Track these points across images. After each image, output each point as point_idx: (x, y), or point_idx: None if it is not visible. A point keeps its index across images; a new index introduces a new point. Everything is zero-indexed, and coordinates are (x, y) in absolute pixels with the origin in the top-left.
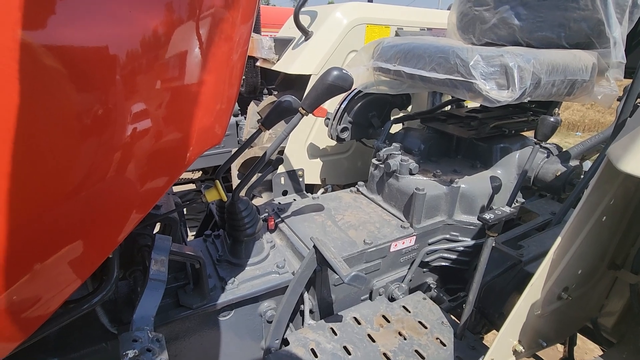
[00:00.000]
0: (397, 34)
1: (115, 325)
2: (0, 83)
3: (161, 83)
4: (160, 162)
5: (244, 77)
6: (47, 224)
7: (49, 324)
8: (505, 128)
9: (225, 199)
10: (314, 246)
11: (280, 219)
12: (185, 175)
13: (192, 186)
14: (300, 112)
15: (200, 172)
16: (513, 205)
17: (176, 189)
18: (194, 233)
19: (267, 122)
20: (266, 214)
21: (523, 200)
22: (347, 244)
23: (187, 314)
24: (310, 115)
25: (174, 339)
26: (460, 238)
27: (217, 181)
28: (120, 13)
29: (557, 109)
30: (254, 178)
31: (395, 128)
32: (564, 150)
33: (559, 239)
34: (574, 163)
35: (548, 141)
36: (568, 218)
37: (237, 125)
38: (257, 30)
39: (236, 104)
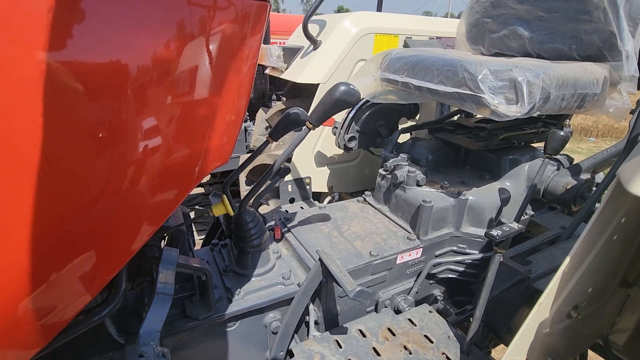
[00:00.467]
0: (405, 43)
1: (122, 335)
2: (24, 99)
3: (172, 98)
4: (171, 177)
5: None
6: (64, 236)
7: (61, 334)
8: (515, 139)
9: (232, 213)
10: (320, 259)
11: (286, 229)
12: None
13: (200, 189)
14: (308, 127)
15: (209, 176)
16: (522, 217)
17: None
18: (202, 237)
19: (274, 133)
20: (273, 223)
21: (532, 212)
22: (353, 255)
23: (193, 325)
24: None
25: (179, 349)
26: (467, 250)
27: (224, 196)
28: (133, 30)
29: (568, 120)
30: (261, 189)
31: (403, 137)
32: (575, 162)
33: (567, 259)
34: (585, 176)
35: None
36: (579, 232)
37: (246, 131)
38: (266, 38)
39: None
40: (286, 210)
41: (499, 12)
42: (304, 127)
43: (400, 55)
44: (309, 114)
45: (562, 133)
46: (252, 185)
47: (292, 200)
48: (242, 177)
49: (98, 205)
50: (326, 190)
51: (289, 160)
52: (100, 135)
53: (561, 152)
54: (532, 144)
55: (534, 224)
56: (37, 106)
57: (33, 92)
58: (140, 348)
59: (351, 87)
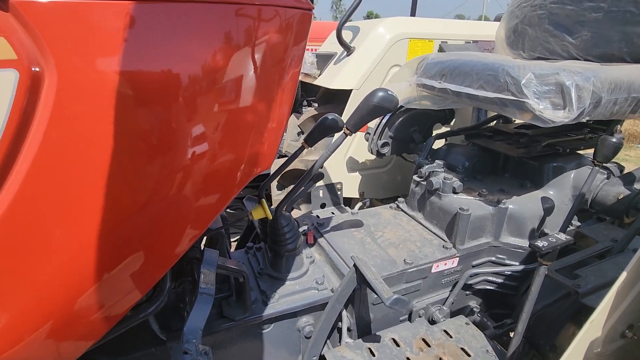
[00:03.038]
0: (440, 48)
1: (164, 331)
2: (83, 108)
3: (218, 106)
4: (215, 182)
5: None
6: (119, 236)
7: (111, 329)
8: (559, 146)
9: (270, 217)
10: (355, 265)
11: (319, 234)
12: None
13: None
14: (345, 132)
15: None
16: (568, 228)
17: None
18: (234, 239)
19: (310, 139)
20: (305, 228)
21: (579, 223)
22: (387, 262)
23: (230, 325)
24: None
25: (216, 349)
26: (507, 261)
27: (263, 200)
28: (184, 40)
29: (619, 125)
30: (296, 194)
31: (438, 144)
32: (626, 171)
33: (624, 274)
34: (639, 186)
35: None
36: (633, 246)
37: None
38: None
39: None
40: (317, 216)
41: (540, 16)
42: (341, 133)
43: (437, 60)
44: (345, 120)
45: (614, 140)
46: (288, 190)
47: (323, 206)
48: (274, 181)
49: (149, 208)
50: (357, 196)
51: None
52: (153, 142)
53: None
54: (578, 151)
55: (581, 236)
56: (103, 114)
57: (100, 100)
58: (184, 345)
59: (389, 92)
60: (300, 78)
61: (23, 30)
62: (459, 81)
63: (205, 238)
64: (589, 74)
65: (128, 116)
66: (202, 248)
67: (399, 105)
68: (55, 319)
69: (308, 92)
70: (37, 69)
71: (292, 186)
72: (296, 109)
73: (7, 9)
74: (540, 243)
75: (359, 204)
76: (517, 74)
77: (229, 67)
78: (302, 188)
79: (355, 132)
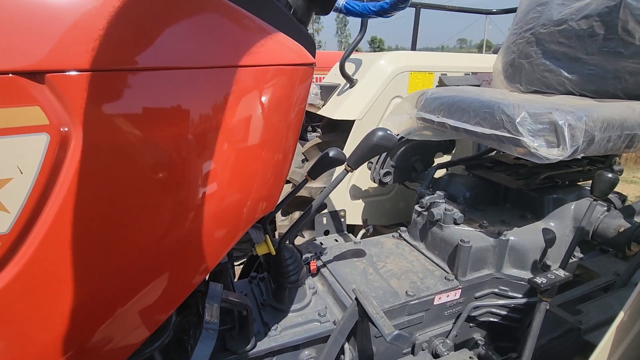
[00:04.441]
0: (440, 80)
1: None
2: (105, 163)
3: (227, 145)
4: (225, 220)
5: None
6: (130, 274)
7: None
8: (559, 178)
9: (274, 253)
10: (356, 298)
11: (322, 264)
12: None
13: None
14: (346, 169)
15: None
16: (570, 261)
17: None
18: (241, 262)
19: (313, 172)
20: (309, 256)
21: (581, 255)
22: (389, 294)
23: (233, 359)
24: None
25: None
26: (510, 293)
27: (267, 236)
28: (193, 84)
29: (617, 157)
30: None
31: (439, 173)
32: (630, 195)
33: (621, 314)
34: (639, 218)
35: None
36: (635, 280)
37: None
38: None
39: None
40: (321, 243)
41: (535, 52)
42: (342, 170)
43: (436, 96)
44: (347, 157)
45: (609, 175)
46: (292, 217)
47: (326, 233)
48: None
49: (161, 247)
50: (360, 223)
51: None
52: (166, 186)
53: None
54: (578, 183)
55: (583, 269)
56: (121, 168)
57: (119, 156)
58: None
59: (388, 132)
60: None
61: (55, 99)
62: (456, 117)
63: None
64: (581, 113)
65: (142, 168)
66: (206, 280)
67: (400, 136)
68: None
69: (313, 119)
70: (66, 129)
71: (296, 215)
72: (302, 136)
73: (43, 81)
74: (539, 280)
75: (362, 231)
76: (512, 112)
77: (235, 116)
78: (304, 221)
79: (355, 169)
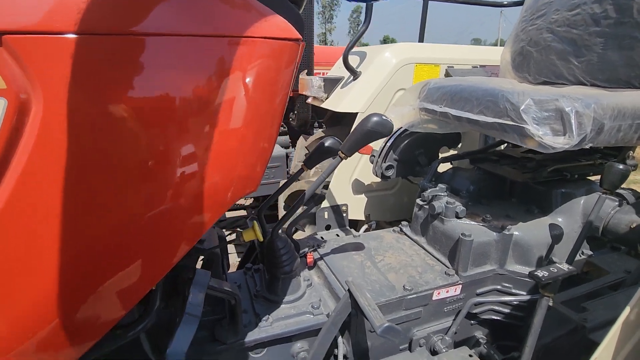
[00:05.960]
0: (447, 72)
1: (156, 352)
2: (68, 133)
3: (209, 128)
4: (205, 201)
5: (295, 111)
6: (105, 251)
7: (98, 348)
8: (567, 172)
9: (261, 239)
10: (349, 290)
11: (319, 257)
12: (239, 201)
13: (243, 212)
14: (340, 156)
15: (252, 199)
16: (578, 257)
17: (228, 214)
18: (241, 258)
19: (309, 162)
20: (307, 249)
21: (590, 252)
22: (385, 288)
23: (221, 349)
24: (355, 152)
25: None
26: (513, 290)
27: (255, 222)
28: (173, 72)
29: (631, 151)
30: (294, 215)
31: (443, 167)
32: None
33: (627, 309)
34: None
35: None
36: None
37: (288, 157)
38: (310, 70)
39: (287, 136)
40: (322, 237)
41: (546, 39)
42: (336, 157)
43: (439, 85)
44: (341, 145)
45: (620, 167)
46: (285, 212)
47: (328, 227)
48: (281, 202)
49: (138, 223)
50: (363, 219)
51: (325, 186)
52: (148, 162)
53: (625, 187)
54: (588, 177)
55: (592, 266)
56: (90, 140)
57: (86, 127)
58: None
59: (384, 117)
60: (309, 101)
61: (14, 63)
62: (459, 106)
63: (201, 259)
64: (590, 100)
65: (112, 141)
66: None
67: (403, 129)
68: (46, 327)
69: (319, 114)
70: (25, 96)
71: (300, 210)
72: (307, 131)
73: (0, 43)
74: (540, 273)
75: (365, 227)
76: (516, 99)
77: (219, 93)
78: (303, 210)
79: (350, 155)
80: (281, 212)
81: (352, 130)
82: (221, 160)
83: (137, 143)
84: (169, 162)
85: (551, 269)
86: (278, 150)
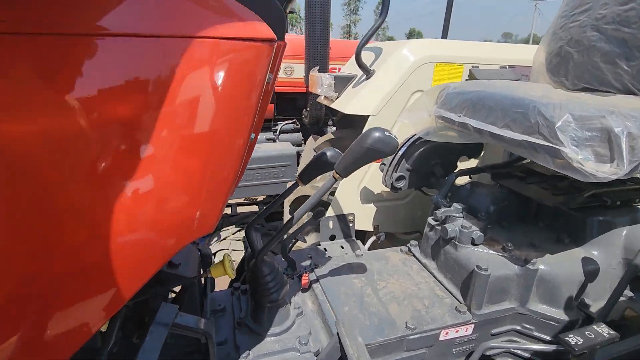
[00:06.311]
0: (471, 73)
1: None
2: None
3: (167, 131)
4: (168, 227)
5: (307, 108)
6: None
7: None
8: (608, 197)
9: (232, 277)
10: (337, 334)
11: (315, 278)
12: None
13: (255, 207)
14: (334, 177)
15: (265, 195)
16: (619, 301)
17: (240, 209)
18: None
19: (304, 176)
20: (302, 270)
21: (631, 294)
22: (385, 323)
23: None
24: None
25: None
26: (535, 333)
27: (226, 256)
28: (124, 74)
29: None
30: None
31: (461, 180)
32: None
33: None
34: None
35: None
36: None
37: (298, 155)
38: (324, 67)
39: (299, 134)
40: (324, 249)
41: (590, 38)
42: (330, 177)
43: (459, 91)
44: (337, 162)
45: None
46: (272, 236)
47: (332, 238)
48: (287, 206)
49: (74, 252)
50: (371, 229)
51: (332, 193)
52: (100, 168)
53: None
54: (633, 204)
55: (635, 314)
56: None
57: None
58: None
59: (386, 134)
60: (320, 100)
61: None
62: (481, 116)
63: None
64: None
65: (51, 150)
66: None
67: (417, 136)
68: None
69: (333, 112)
70: None
71: (304, 219)
72: (320, 129)
73: None
74: (572, 340)
75: (372, 239)
76: (551, 114)
77: (178, 97)
78: (284, 235)
79: (345, 177)
80: (286, 217)
81: (349, 147)
82: (184, 176)
83: (83, 154)
84: (121, 177)
85: (587, 333)
86: (289, 148)
